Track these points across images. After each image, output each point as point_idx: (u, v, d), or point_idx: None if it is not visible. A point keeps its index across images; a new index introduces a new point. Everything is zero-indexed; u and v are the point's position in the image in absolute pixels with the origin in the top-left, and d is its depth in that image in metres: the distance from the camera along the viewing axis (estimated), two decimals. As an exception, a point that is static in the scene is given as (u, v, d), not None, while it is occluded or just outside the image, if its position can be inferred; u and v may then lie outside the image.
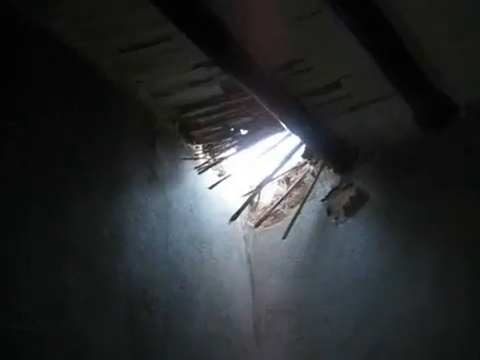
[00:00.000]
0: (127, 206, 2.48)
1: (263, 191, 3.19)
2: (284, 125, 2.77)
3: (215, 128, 3.00)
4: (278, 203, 3.15)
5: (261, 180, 3.11)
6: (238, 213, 3.01)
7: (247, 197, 3.12)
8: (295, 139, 2.99)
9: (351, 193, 2.96)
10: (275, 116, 2.72)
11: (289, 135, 2.97)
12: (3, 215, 1.97)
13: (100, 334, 2.15)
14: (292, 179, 3.20)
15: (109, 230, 2.33)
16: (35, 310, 1.95)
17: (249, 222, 3.21)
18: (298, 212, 3.03)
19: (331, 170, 3.06)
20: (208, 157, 3.06)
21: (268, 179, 3.10)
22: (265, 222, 3.17)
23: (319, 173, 3.05)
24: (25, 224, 2.03)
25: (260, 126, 2.96)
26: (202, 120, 2.97)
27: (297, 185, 3.14)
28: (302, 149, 3.07)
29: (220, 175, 3.11)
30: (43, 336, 1.94)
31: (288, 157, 3.06)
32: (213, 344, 2.69)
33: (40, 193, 2.13)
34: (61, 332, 2.02)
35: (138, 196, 2.56)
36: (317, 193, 3.07)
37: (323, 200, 3.03)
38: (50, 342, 1.96)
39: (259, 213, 3.21)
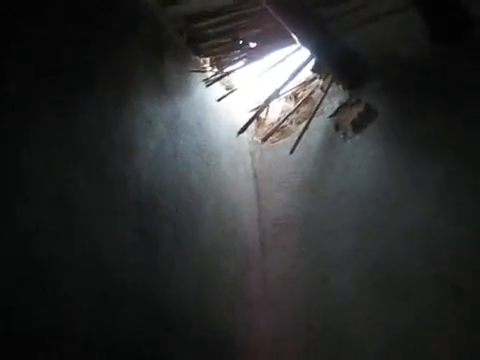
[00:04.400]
0: (137, 114, 2.45)
1: (270, 106, 3.17)
2: (295, 37, 2.71)
3: (224, 40, 2.95)
4: (285, 119, 3.13)
5: (269, 95, 3.07)
6: (245, 127, 2.99)
7: (255, 112, 3.09)
8: (304, 53, 2.94)
9: (360, 109, 2.93)
10: (286, 27, 2.67)
11: (299, 49, 2.92)
12: (15, 117, 1.95)
13: (111, 238, 2.16)
14: (300, 95, 3.17)
15: (119, 136, 2.31)
16: (47, 206, 1.95)
17: (256, 137, 3.20)
18: (305, 128, 3.01)
19: (340, 86, 3.02)
20: (216, 70, 3.01)
21: (276, 94, 3.06)
22: (272, 138, 3.16)
23: (328, 88, 3.01)
24: (37, 126, 2.01)
25: (269, 39, 2.92)
26: (210, 31, 2.92)
27: (305, 101, 3.12)
28: (311, 63, 3.02)
29: (228, 88, 3.07)
30: (54, 232, 1.95)
31: (297, 71, 3.01)
32: (220, 255, 2.72)
33: (51, 96, 2.09)
34: (73, 232, 2.02)
35: (147, 105, 2.53)
36: (325, 109, 3.05)
37: (331, 116, 3.01)
38: (60, 239, 1.97)
39: (266, 128, 3.20)
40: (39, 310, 1.84)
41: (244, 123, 3.02)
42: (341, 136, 2.97)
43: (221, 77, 3.00)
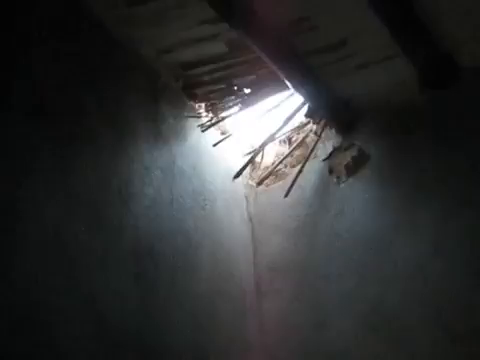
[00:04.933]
0: (134, 161, 2.48)
1: (265, 150, 3.21)
2: (288, 84, 2.77)
3: (218, 86, 3.00)
4: (280, 162, 3.17)
5: (263, 139, 3.12)
6: (241, 171, 3.03)
7: (249, 156, 3.13)
8: (298, 98, 2.99)
9: (353, 153, 2.98)
10: (279, 74, 2.72)
11: (292, 94, 2.98)
12: (13, 166, 1.97)
13: (109, 286, 2.18)
14: (294, 139, 3.21)
15: (117, 184, 2.34)
16: (45, 255, 1.97)
17: (251, 181, 3.23)
18: (300, 171, 3.05)
19: (333, 130, 3.08)
20: (211, 115, 3.05)
21: (271, 138, 3.11)
22: (267, 181, 3.19)
23: (321, 133, 3.06)
24: (35, 175, 2.03)
25: (263, 85, 2.96)
26: (206, 78, 2.95)
27: (299, 145, 3.16)
28: (305, 109, 3.07)
29: (223, 133, 3.11)
30: (51, 280, 1.96)
31: (291, 116, 3.06)
32: (216, 300, 2.73)
33: (49, 145, 2.12)
34: (71, 282, 2.04)
35: (144, 151, 2.57)
36: (319, 153, 3.09)
37: (325, 160, 3.06)
38: (60, 293, 1.98)
39: (261, 172, 3.23)
40: (36, 359, 1.84)
41: (239, 167, 3.06)
42: (335, 179, 3.01)
43: (216, 122, 3.04)
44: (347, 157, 3.00)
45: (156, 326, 2.34)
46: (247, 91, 3.00)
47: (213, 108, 3.06)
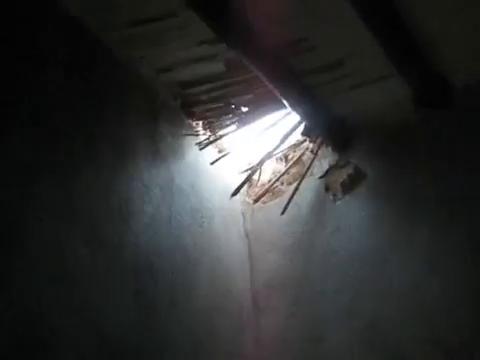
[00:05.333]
0: (133, 179, 2.52)
1: (262, 168, 3.25)
2: (285, 102, 2.82)
3: (216, 105, 3.04)
4: (276, 180, 3.21)
5: (260, 157, 3.16)
6: (238, 189, 3.06)
7: (247, 174, 3.17)
8: (295, 117, 3.04)
9: (349, 171, 3.03)
10: (276, 93, 2.77)
11: (289, 113, 3.02)
12: (14, 185, 2.00)
13: (109, 303, 2.21)
14: (290, 156, 3.25)
15: (117, 202, 2.38)
16: (46, 271, 2.00)
17: (248, 198, 3.27)
18: (296, 189, 3.09)
19: (329, 148, 3.12)
20: (209, 133, 3.09)
21: (267, 156, 3.15)
22: (263, 198, 3.23)
23: (318, 151, 3.11)
24: (36, 192, 2.07)
25: (261, 103, 3.01)
26: (204, 97, 3.00)
27: (295, 162, 3.20)
28: (301, 127, 3.11)
29: (220, 152, 3.15)
30: (53, 297, 1.99)
31: (288, 135, 3.11)
32: (215, 316, 2.76)
33: (50, 163, 2.16)
34: (71, 299, 2.07)
35: (143, 170, 2.60)
36: (315, 171, 3.14)
37: (321, 177, 3.10)
38: (59, 304, 2.01)
39: (257, 190, 3.27)
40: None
41: (236, 185, 3.09)
42: (331, 197, 3.05)
43: (214, 141, 3.08)
44: (343, 175, 3.04)
45: (156, 342, 2.37)
46: (244, 110, 3.05)
47: (211, 126, 3.10)
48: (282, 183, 3.23)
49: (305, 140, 3.18)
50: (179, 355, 2.47)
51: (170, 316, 2.48)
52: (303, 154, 3.19)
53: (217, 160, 3.04)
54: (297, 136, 3.19)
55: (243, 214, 3.24)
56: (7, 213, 1.94)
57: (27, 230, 1.99)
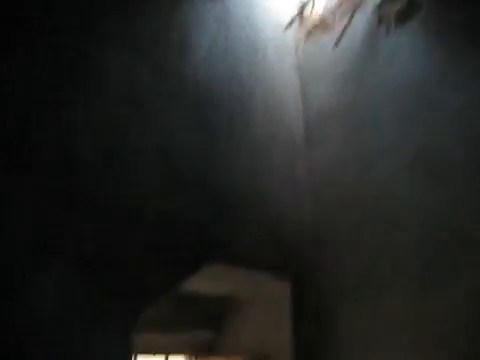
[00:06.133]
0: (189, 13, 2.58)
1: (315, 1, 3.24)
2: None
3: None
4: (329, 13, 3.21)
5: (314, -11, 3.15)
6: (292, 22, 3.10)
7: (300, 6, 3.18)
8: None
9: (403, 3, 3.00)
10: None
11: None
12: (84, 21, 2.11)
13: (173, 125, 2.37)
14: (344, -11, 3.23)
15: (177, 35, 2.47)
16: (118, 99, 2.17)
17: (300, 32, 3.30)
18: (349, 22, 3.10)
19: (384, -21, 3.07)
20: (263, -34, 3.07)
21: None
22: (316, 32, 3.25)
23: (372, -18, 3.07)
24: (100, 24, 2.18)
25: None
26: None
27: (348, -5, 3.18)
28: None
29: (274, -16, 3.15)
30: (126, 123, 2.18)
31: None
32: (269, 143, 2.92)
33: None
34: (140, 121, 2.23)
35: (198, 3, 2.65)
36: (368, 3, 3.11)
37: (374, 10, 3.08)
38: (131, 129, 2.19)
39: (310, 23, 3.28)
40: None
41: (290, 18, 3.12)
42: (383, 30, 3.05)
43: (268, -27, 3.07)
44: (397, 6, 3.01)
45: (218, 168, 2.55)
46: None
47: (266, -41, 3.07)
48: (334, 17, 3.23)
49: (359, -29, 3.14)
50: (238, 180, 2.64)
51: (229, 144, 2.64)
52: (357, -14, 3.15)
53: (271, -8, 3.05)
54: (351, -33, 3.14)
55: (296, 47, 3.29)
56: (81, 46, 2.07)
57: (99, 61, 2.13)
